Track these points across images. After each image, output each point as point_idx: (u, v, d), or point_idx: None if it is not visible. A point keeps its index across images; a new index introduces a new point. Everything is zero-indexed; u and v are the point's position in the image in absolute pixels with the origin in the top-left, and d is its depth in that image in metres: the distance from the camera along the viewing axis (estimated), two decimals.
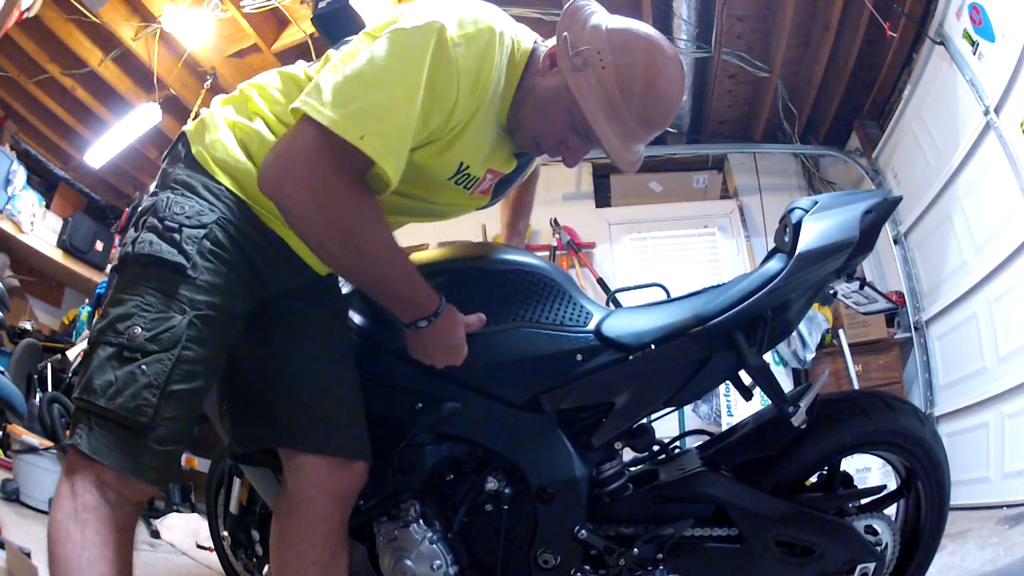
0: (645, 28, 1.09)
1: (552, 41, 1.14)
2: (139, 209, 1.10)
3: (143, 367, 0.99)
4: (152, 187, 1.15)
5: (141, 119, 4.42)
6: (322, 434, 1.14)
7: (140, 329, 1.01)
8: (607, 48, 1.04)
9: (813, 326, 3.78)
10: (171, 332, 1.01)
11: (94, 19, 3.74)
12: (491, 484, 1.23)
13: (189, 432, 1.06)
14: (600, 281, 4.26)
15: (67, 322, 5.07)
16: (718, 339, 1.19)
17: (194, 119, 1.19)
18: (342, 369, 1.19)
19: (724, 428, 2.48)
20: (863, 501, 1.35)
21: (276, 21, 3.98)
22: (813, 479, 1.35)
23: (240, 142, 1.12)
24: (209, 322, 1.04)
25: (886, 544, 1.30)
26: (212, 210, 1.07)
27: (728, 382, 1.34)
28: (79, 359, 3.66)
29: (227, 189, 1.09)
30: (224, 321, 1.07)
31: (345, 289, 1.36)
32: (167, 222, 1.05)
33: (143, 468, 1.00)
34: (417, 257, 1.31)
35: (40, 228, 4.75)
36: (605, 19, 1.09)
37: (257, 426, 1.18)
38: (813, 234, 1.18)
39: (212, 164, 1.10)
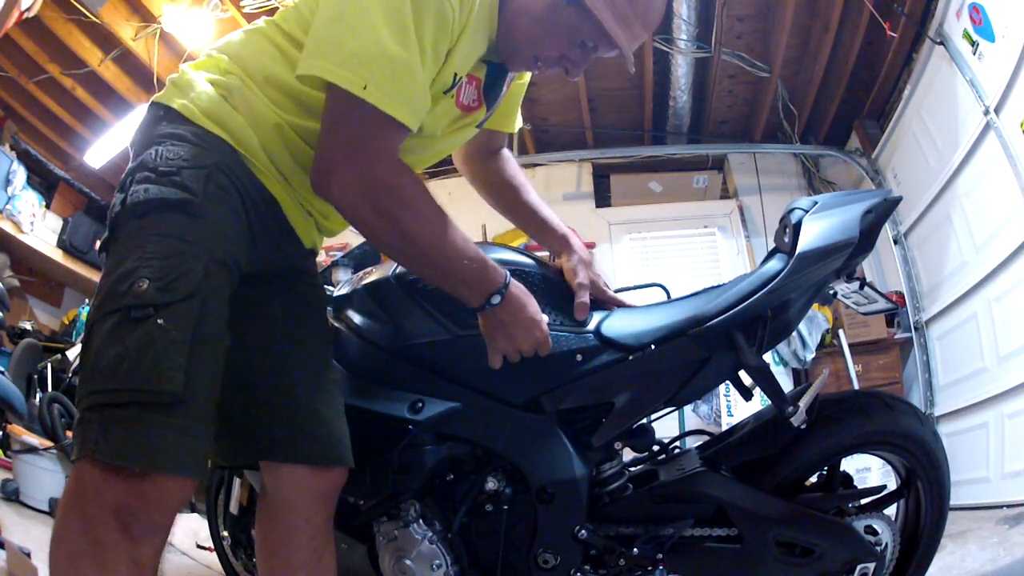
0: None
1: None
2: (122, 177, 0.98)
3: (159, 321, 0.82)
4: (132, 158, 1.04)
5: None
6: (300, 444, 1.08)
7: (147, 282, 0.84)
8: None
9: (813, 326, 3.78)
10: (187, 277, 0.86)
11: (94, 19, 3.74)
12: (491, 484, 1.23)
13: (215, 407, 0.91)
14: None
15: (67, 322, 5.07)
16: (718, 339, 1.19)
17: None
18: (318, 370, 1.14)
19: (724, 428, 2.49)
20: (863, 501, 1.35)
21: None
22: (813, 479, 1.35)
23: (222, 97, 1.05)
24: (224, 270, 0.93)
25: (886, 544, 1.30)
26: (209, 155, 0.98)
27: (728, 382, 1.34)
28: (79, 359, 3.66)
29: (219, 138, 1.01)
30: (232, 271, 0.96)
31: (345, 290, 1.36)
32: (161, 168, 0.94)
33: (187, 459, 0.83)
34: None
35: (40, 228, 4.75)
36: None
37: (236, 439, 1.10)
38: (813, 234, 1.18)
39: (200, 115, 1.02)
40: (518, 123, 1.47)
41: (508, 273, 1.10)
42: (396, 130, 0.99)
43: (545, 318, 1.15)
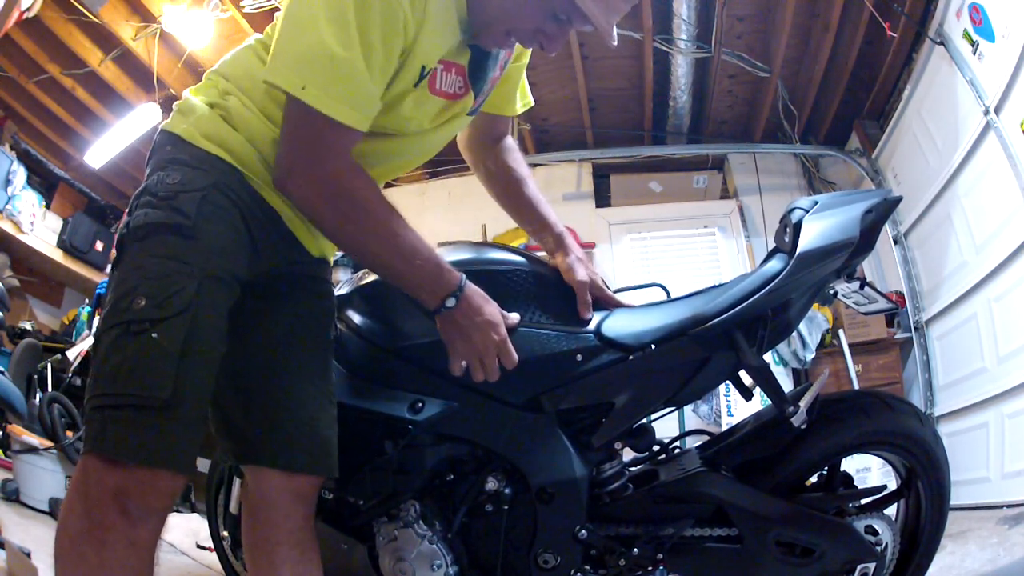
0: None
1: None
2: (130, 201, 1.07)
3: (154, 335, 0.90)
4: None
5: (141, 119, 4.41)
6: (281, 451, 1.11)
7: (145, 300, 0.92)
8: None
9: (813, 326, 3.78)
10: (180, 295, 0.93)
11: (94, 19, 3.74)
12: (491, 484, 1.23)
13: (207, 411, 1.00)
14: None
15: (67, 322, 5.07)
16: (718, 339, 1.19)
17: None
18: (311, 378, 1.16)
19: (724, 428, 2.49)
20: (863, 501, 1.35)
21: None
22: (813, 479, 1.35)
23: (221, 117, 1.10)
24: (220, 285, 0.99)
25: (886, 544, 1.30)
26: (206, 176, 1.03)
27: (728, 382, 1.34)
28: (79, 359, 3.66)
29: (218, 158, 1.06)
30: (231, 284, 1.01)
31: (345, 290, 1.36)
32: (161, 193, 1.01)
33: (173, 455, 0.90)
34: None
35: (40, 228, 4.75)
36: None
37: (235, 440, 1.15)
38: (813, 234, 1.18)
39: (200, 137, 1.07)
40: (527, 101, 1.44)
41: (464, 276, 1.11)
42: (343, 131, 1.00)
43: (514, 318, 1.16)
